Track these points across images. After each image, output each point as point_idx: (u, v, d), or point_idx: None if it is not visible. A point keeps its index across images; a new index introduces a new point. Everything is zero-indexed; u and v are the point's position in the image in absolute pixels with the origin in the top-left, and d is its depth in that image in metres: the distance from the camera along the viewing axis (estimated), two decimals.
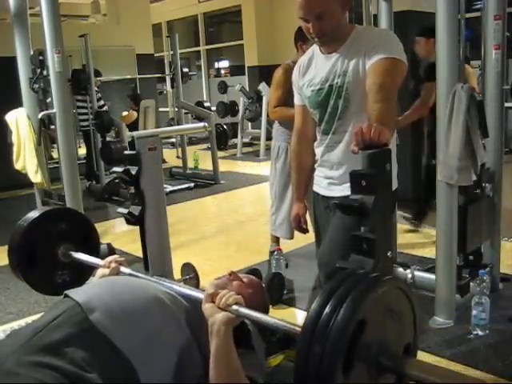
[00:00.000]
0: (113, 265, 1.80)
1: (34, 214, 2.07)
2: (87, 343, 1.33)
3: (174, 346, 1.43)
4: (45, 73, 3.62)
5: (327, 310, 1.02)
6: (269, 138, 5.74)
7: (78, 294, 1.49)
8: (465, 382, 1.12)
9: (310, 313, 1.05)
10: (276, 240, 3.70)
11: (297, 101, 2.11)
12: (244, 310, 1.38)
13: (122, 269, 1.79)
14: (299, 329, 1.10)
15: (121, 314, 1.42)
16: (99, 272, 1.84)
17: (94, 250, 2.15)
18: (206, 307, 1.42)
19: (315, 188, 2.12)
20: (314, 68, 1.97)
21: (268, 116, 5.72)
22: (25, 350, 1.30)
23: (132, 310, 1.44)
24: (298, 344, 1.04)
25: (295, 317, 2.91)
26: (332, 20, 1.80)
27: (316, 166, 2.09)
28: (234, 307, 1.38)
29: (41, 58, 3.63)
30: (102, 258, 1.94)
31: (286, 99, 3.10)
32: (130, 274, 1.76)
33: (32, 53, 3.78)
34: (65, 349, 1.30)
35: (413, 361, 1.14)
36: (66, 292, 1.52)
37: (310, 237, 2.31)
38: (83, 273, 2.11)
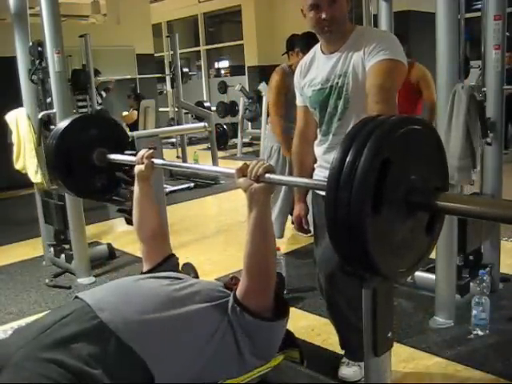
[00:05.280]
0: (145, 161, 1.84)
1: (63, 124, 2.07)
2: (96, 340, 1.33)
3: (186, 346, 1.42)
4: (43, 64, 3.62)
5: (350, 153, 1.00)
6: None
7: (87, 296, 1.50)
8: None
9: (334, 161, 1.02)
10: None
11: (299, 101, 2.11)
12: (276, 177, 1.45)
13: (155, 161, 1.84)
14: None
15: (131, 314, 1.41)
16: (136, 169, 1.87)
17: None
18: (240, 181, 1.46)
19: None
20: (316, 68, 1.98)
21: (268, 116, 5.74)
22: (32, 345, 1.30)
23: (142, 311, 1.43)
24: (326, 193, 1.03)
25: (295, 317, 2.90)
26: (342, 7, 1.83)
27: (315, 165, 2.08)
28: (266, 175, 1.42)
29: (39, 48, 3.62)
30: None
31: (283, 104, 3.34)
32: (163, 165, 1.87)
33: (31, 44, 3.78)
34: (72, 345, 1.30)
35: (445, 193, 1.09)
36: (76, 294, 1.53)
37: (310, 237, 2.31)
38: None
